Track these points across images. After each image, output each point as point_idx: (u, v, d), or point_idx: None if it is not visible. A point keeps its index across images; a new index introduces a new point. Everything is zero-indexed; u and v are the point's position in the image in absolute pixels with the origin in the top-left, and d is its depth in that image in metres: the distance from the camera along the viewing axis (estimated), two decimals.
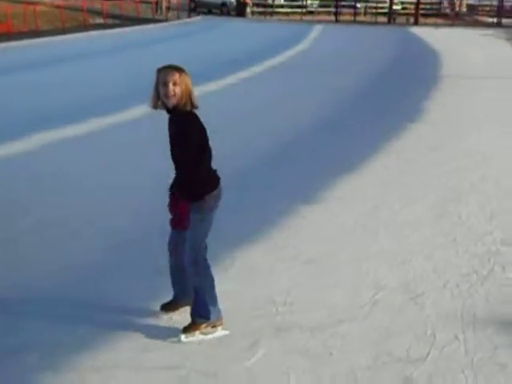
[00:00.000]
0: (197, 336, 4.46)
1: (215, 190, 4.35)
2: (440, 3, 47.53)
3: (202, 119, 4.25)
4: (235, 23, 36.44)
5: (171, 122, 4.29)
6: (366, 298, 5.10)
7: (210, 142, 4.32)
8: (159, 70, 4.20)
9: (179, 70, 4.20)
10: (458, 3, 47.88)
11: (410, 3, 43.13)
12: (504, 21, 39.25)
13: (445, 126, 11.57)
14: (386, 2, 43.38)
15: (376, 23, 40.57)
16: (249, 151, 9.50)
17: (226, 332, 4.52)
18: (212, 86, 14.80)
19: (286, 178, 8.34)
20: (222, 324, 4.55)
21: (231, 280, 5.37)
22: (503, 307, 5.05)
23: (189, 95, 4.18)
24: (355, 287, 5.29)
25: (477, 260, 5.88)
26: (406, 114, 12.36)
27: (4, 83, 14.46)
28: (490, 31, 34.36)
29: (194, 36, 29.16)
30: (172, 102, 4.15)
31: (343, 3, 44.00)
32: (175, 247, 4.56)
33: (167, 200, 4.54)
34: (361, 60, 21.77)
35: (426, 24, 38.47)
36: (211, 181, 4.38)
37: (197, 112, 4.26)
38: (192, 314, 4.52)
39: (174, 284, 4.70)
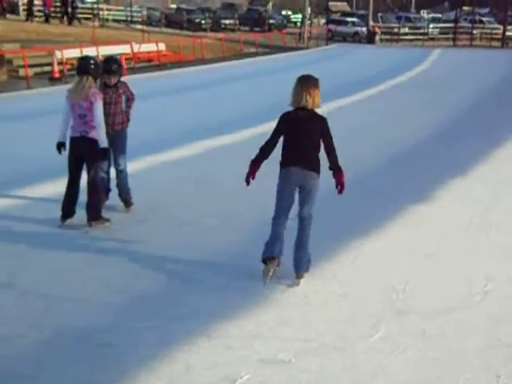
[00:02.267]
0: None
1: None
2: None
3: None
4: (366, 49, 35.82)
5: (302, 116, 4.77)
6: (477, 289, 4.84)
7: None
8: (303, 80, 4.85)
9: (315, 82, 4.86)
10: None
11: None
12: None
13: None
14: (499, 29, 41.28)
15: (490, 47, 38.65)
16: (378, 156, 9.29)
17: None
18: (340, 102, 14.61)
19: (409, 180, 8.09)
20: None
21: (356, 268, 5.26)
22: None
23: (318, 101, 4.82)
24: (467, 279, 5.03)
25: None
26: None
27: (175, 101, 14.94)
28: None
29: (330, 60, 28.95)
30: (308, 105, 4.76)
31: (461, 30, 42.29)
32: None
33: None
34: (474, 77, 20.80)
35: None
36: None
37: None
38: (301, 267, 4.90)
39: (279, 244, 4.85)
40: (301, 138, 4.76)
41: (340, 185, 4.78)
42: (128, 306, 4.53)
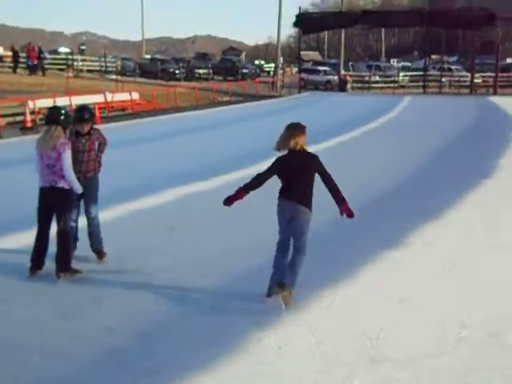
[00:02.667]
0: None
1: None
2: None
3: None
4: (337, 97, 36.50)
5: (293, 157, 5.35)
6: (451, 336, 4.82)
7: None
8: (292, 128, 5.43)
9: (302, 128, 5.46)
10: None
11: (489, 76, 41.87)
12: None
13: None
14: (468, 76, 42.41)
15: (459, 94, 39.63)
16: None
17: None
18: (316, 148, 14.77)
19: (381, 225, 8.13)
20: None
21: (332, 316, 5.23)
22: None
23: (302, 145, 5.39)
24: (441, 325, 5.01)
25: None
26: (486, 170, 11.85)
27: (148, 149, 14.97)
28: None
29: (303, 107, 29.42)
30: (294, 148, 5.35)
31: (430, 78, 43.35)
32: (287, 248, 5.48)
33: None
34: (443, 123, 21.23)
35: (504, 94, 37.17)
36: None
37: None
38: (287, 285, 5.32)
39: (278, 274, 5.39)
40: (293, 175, 5.35)
41: (348, 211, 5.43)
42: (100, 359, 4.43)
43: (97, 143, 6.53)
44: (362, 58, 69.74)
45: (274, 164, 5.42)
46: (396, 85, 43.03)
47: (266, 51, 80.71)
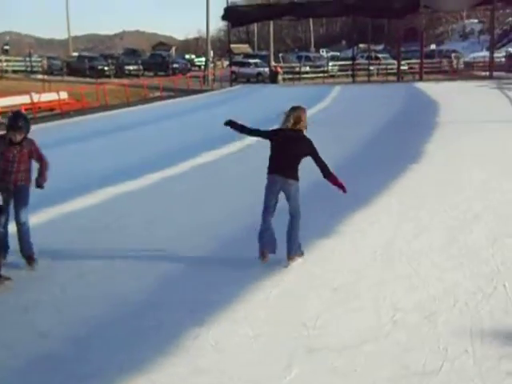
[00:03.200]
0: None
1: None
2: (440, 62, 47.26)
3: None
4: (269, 88, 36.64)
5: (290, 134, 6.21)
6: (385, 319, 4.92)
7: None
8: (294, 108, 6.35)
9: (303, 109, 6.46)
10: (455, 61, 47.54)
11: (415, 63, 42.93)
12: (495, 73, 38.78)
13: (446, 164, 11.31)
14: (394, 64, 43.38)
15: (387, 81, 40.48)
16: None
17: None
18: (251, 140, 14.80)
19: (314, 214, 8.19)
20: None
21: (269, 307, 5.25)
22: (507, 320, 4.83)
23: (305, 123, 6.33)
24: (375, 310, 5.11)
25: (482, 280, 5.66)
26: (413, 156, 12.13)
27: (79, 149, 14.67)
28: (483, 83, 33.93)
29: (235, 100, 29.46)
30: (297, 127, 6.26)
31: (358, 67, 44.06)
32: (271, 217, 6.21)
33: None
34: (372, 111, 21.62)
35: (428, 80, 38.19)
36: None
37: None
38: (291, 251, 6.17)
39: (267, 235, 6.22)
40: (286, 152, 6.11)
41: (340, 187, 6.35)
42: (33, 365, 4.32)
43: (29, 155, 6.24)
44: (291, 49, 70.28)
45: (271, 133, 6.34)
46: (326, 75, 43.60)
47: (196, 45, 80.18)
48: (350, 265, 6.24)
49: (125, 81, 35.81)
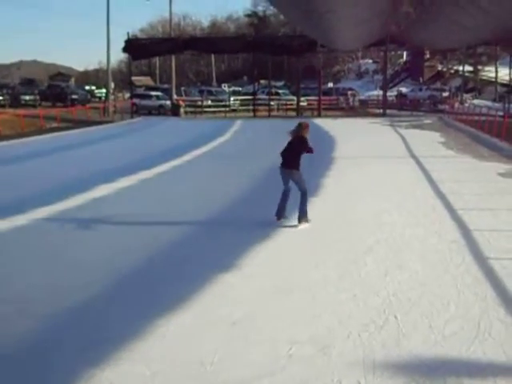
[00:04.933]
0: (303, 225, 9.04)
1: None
2: (337, 99, 49.11)
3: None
4: (171, 121, 36.62)
5: (294, 140, 9.44)
6: (282, 352, 4.96)
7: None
8: (300, 124, 9.61)
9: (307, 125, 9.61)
10: (351, 99, 49.58)
11: (314, 100, 44.33)
12: (388, 111, 40.74)
13: (341, 198, 11.65)
14: (294, 100, 44.63)
15: (287, 116, 41.50)
16: (182, 226, 9.35)
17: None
18: (146, 174, 14.73)
19: (211, 248, 8.20)
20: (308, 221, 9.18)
21: (165, 346, 5.16)
22: (397, 351, 4.98)
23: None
24: (273, 343, 5.14)
25: (374, 311, 5.83)
26: (310, 190, 12.39)
27: None
28: (377, 120, 35.54)
29: (136, 132, 29.20)
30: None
31: (259, 102, 44.94)
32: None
33: None
34: (273, 145, 21.96)
35: (326, 116, 39.51)
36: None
37: None
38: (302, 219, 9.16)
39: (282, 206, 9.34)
40: (286, 151, 9.42)
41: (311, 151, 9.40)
42: None
43: None
44: (194, 82, 70.79)
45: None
46: (228, 109, 44.11)
47: (96, 76, 78.98)
48: (248, 298, 6.25)
49: (21, 111, 34.63)
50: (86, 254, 7.93)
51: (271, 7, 60.21)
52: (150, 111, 42.67)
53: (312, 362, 4.79)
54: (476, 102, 45.12)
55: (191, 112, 43.63)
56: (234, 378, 4.57)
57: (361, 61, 73.82)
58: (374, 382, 4.42)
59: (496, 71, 54.12)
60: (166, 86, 51.95)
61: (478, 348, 5.00)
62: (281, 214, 9.34)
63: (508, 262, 7.29)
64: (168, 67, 48.19)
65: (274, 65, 50.60)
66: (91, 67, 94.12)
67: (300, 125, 9.51)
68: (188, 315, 5.82)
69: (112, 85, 45.91)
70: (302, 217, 9.16)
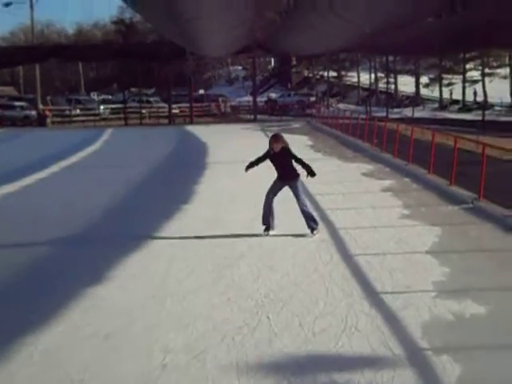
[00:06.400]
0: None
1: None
2: (209, 105, 49.43)
3: None
4: (36, 132, 35.24)
5: (276, 153, 8.83)
6: (156, 362, 4.91)
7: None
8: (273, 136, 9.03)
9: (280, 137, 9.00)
10: (222, 105, 50.10)
11: (186, 107, 44.30)
12: (258, 116, 41.61)
13: (214, 204, 11.72)
14: (166, 107, 44.33)
15: (159, 124, 41.22)
16: (42, 240, 9.00)
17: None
18: (9, 188, 14.06)
19: (80, 261, 7.98)
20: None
21: (33, 365, 4.94)
22: (269, 351, 5.09)
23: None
24: (147, 354, 5.08)
25: (248, 314, 5.91)
26: (184, 196, 12.44)
27: None
28: (248, 125, 36.16)
29: None
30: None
31: (130, 110, 44.30)
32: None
33: None
34: (145, 153, 21.84)
35: (199, 122, 39.67)
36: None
37: None
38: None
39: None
40: (277, 165, 8.94)
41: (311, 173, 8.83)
42: None
43: None
44: (61, 91, 68.34)
45: (266, 154, 9.06)
46: (98, 118, 43.19)
47: None
48: (122, 309, 6.14)
49: None
50: None
51: (137, 14, 59.55)
52: (14, 122, 40.79)
53: (186, 370, 4.77)
54: (341, 105, 47.20)
55: (59, 122, 42.30)
56: None
57: (231, 67, 74.84)
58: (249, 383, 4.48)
59: (358, 76, 57.04)
60: (30, 95, 49.86)
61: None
62: (269, 223, 8.97)
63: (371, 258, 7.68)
64: (32, 76, 46.29)
65: (144, 72, 50.22)
66: None
67: (272, 137, 8.98)
68: (59, 330, 5.61)
69: None
70: (311, 221, 8.86)
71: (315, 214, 9.21)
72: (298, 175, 8.85)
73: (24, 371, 4.84)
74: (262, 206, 9.03)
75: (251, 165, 9.13)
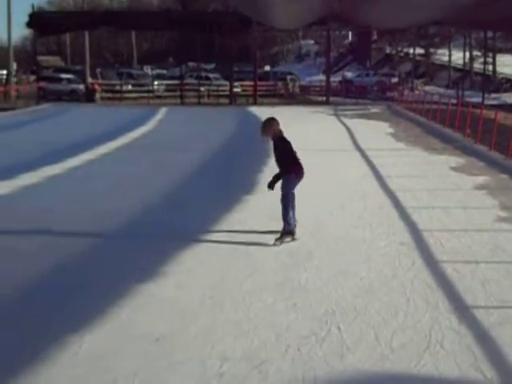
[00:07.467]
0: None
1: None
2: (275, 84, 49.35)
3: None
4: (85, 108, 36.12)
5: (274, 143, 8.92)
6: (212, 371, 4.97)
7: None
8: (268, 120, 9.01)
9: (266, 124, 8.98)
10: (291, 84, 49.94)
11: (249, 85, 44.38)
12: (331, 98, 41.37)
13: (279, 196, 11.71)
14: (226, 85, 44.40)
15: (218, 104, 41.49)
16: (95, 230, 9.22)
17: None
18: (54, 169, 14.46)
19: (133, 254, 8.14)
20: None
21: (80, 365, 5.09)
22: (341, 366, 5.08)
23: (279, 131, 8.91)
24: (202, 361, 5.15)
25: (316, 323, 5.91)
26: (246, 186, 12.53)
27: None
28: (320, 108, 35.96)
29: (42, 121, 28.62)
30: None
31: (187, 87, 44.67)
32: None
33: None
34: (202, 138, 22.05)
35: (263, 103, 39.73)
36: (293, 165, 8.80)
37: None
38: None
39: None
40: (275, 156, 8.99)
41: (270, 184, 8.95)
42: None
43: None
44: (111, 64, 69.81)
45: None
46: (151, 95, 43.70)
47: None
48: (175, 310, 6.24)
49: None
50: None
51: None
52: (60, 96, 41.81)
53: (245, 382, 4.82)
54: (428, 88, 46.40)
55: (109, 98, 43.13)
56: None
57: (301, 41, 74.67)
58: None
59: (450, 54, 55.76)
60: (78, 67, 51.08)
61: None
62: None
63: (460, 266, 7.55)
64: (81, 46, 47.50)
65: (204, 45, 50.59)
66: None
67: (264, 123, 9.03)
68: (102, 331, 5.76)
69: (14, 65, 44.82)
70: (284, 227, 8.65)
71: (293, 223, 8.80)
72: (288, 172, 8.76)
73: (67, 373, 4.98)
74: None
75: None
